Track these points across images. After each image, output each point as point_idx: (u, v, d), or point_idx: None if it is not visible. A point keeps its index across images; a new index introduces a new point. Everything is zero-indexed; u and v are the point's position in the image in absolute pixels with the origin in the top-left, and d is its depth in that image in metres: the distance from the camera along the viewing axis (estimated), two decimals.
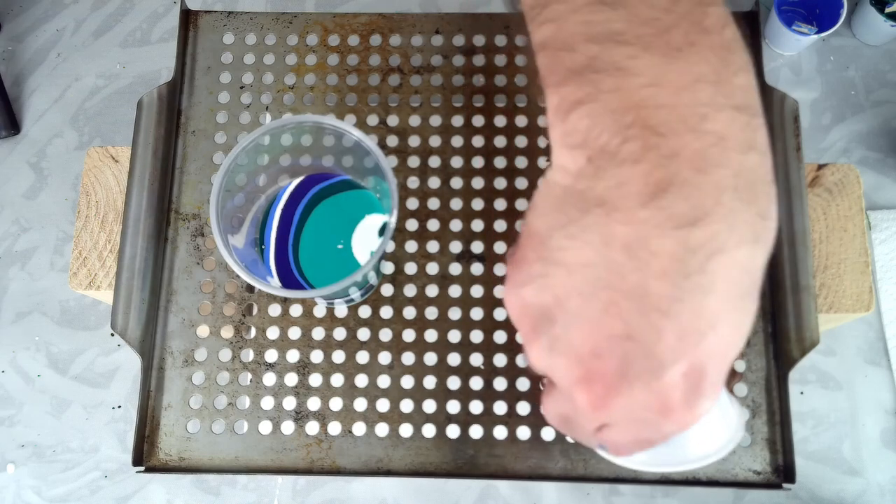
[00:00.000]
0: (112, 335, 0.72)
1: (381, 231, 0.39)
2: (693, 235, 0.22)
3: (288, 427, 0.42)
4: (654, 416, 0.24)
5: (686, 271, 0.22)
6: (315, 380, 0.43)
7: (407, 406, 0.42)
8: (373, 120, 0.47)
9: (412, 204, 0.45)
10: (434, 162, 0.46)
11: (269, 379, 0.43)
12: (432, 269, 0.44)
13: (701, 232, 0.22)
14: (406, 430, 0.42)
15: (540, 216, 0.25)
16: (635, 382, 0.23)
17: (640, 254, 0.22)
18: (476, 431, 0.42)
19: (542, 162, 0.46)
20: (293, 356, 0.43)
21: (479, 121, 0.47)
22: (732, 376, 0.42)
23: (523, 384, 0.43)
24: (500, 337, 0.43)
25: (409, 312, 0.44)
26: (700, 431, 0.30)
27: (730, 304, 0.23)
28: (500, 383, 0.43)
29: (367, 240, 0.39)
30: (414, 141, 0.46)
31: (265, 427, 0.42)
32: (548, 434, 0.42)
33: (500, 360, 0.43)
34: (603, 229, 0.23)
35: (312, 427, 0.42)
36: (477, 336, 0.43)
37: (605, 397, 0.24)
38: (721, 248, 0.22)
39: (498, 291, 0.44)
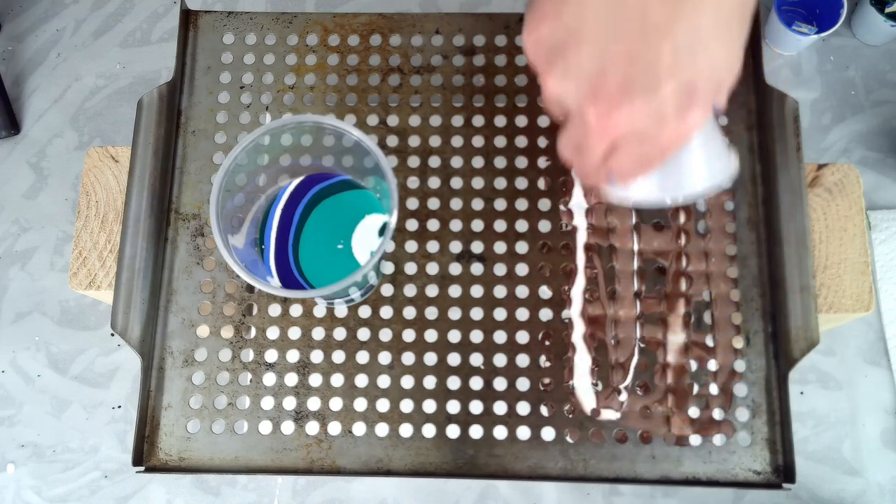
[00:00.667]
0: (112, 335, 0.72)
1: (381, 231, 0.39)
2: None
3: (288, 427, 0.42)
4: (653, 128, 0.28)
5: None
6: (315, 380, 0.43)
7: (407, 406, 0.42)
8: (373, 120, 0.47)
9: (412, 204, 0.45)
10: (434, 162, 0.46)
11: (269, 379, 0.43)
12: (432, 269, 0.44)
13: None
14: (406, 430, 0.42)
15: None
16: (635, 95, 0.27)
17: None
18: (476, 431, 0.42)
19: (542, 162, 0.46)
20: (293, 356, 0.43)
21: (479, 121, 0.47)
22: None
23: (523, 384, 0.43)
24: (499, 337, 0.43)
25: (409, 312, 0.44)
26: (698, 160, 0.33)
27: (721, 24, 0.26)
28: (499, 383, 0.43)
29: (367, 240, 0.39)
30: (414, 141, 0.46)
31: (265, 427, 0.42)
32: (547, 434, 0.42)
33: (499, 360, 0.43)
34: None
35: (312, 427, 0.42)
36: (477, 336, 0.43)
37: (610, 110, 0.27)
38: None
39: (498, 291, 0.44)
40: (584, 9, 0.27)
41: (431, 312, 0.44)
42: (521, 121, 0.46)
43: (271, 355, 0.43)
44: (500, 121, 0.47)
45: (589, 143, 0.29)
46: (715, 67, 0.27)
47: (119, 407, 0.70)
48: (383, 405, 0.42)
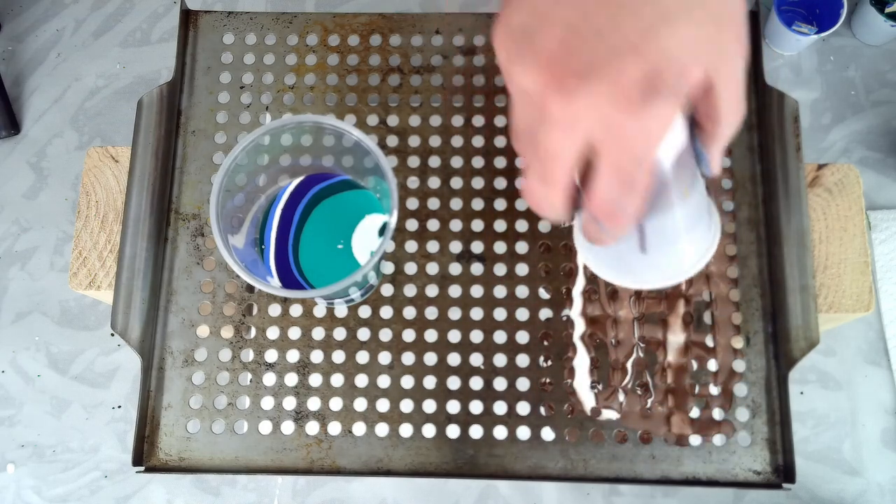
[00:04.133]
0: (112, 335, 0.72)
1: (381, 231, 0.39)
2: None
3: (288, 427, 0.42)
4: (619, 116, 0.26)
5: None
6: (315, 380, 0.43)
7: (407, 406, 0.42)
8: (373, 120, 0.47)
9: (412, 204, 0.45)
10: (434, 162, 0.46)
11: (269, 379, 0.43)
12: (432, 269, 0.44)
13: None
14: (406, 430, 0.42)
15: None
16: (594, 76, 0.25)
17: None
18: (476, 431, 0.42)
19: None
20: (293, 356, 0.43)
21: (479, 121, 0.47)
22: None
23: (523, 384, 0.43)
24: (499, 337, 0.43)
25: (409, 312, 0.44)
26: (692, 237, 0.34)
27: (691, 6, 0.25)
28: (499, 383, 0.43)
29: (367, 240, 0.39)
30: (414, 141, 0.46)
31: (265, 427, 0.42)
32: (547, 434, 0.42)
33: (499, 360, 0.43)
34: None
35: (312, 427, 0.42)
36: (477, 336, 0.43)
37: (570, 92, 0.26)
38: None
39: (498, 291, 0.44)
40: None
41: (431, 312, 0.44)
42: None
43: (271, 355, 0.43)
44: (500, 121, 0.47)
45: (551, 139, 0.27)
46: (683, 51, 0.25)
47: (119, 407, 0.70)
48: (383, 405, 0.42)
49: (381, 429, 0.42)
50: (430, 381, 0.43)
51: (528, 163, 0.29)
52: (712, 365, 0.42)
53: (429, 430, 0.42)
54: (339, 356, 0.43)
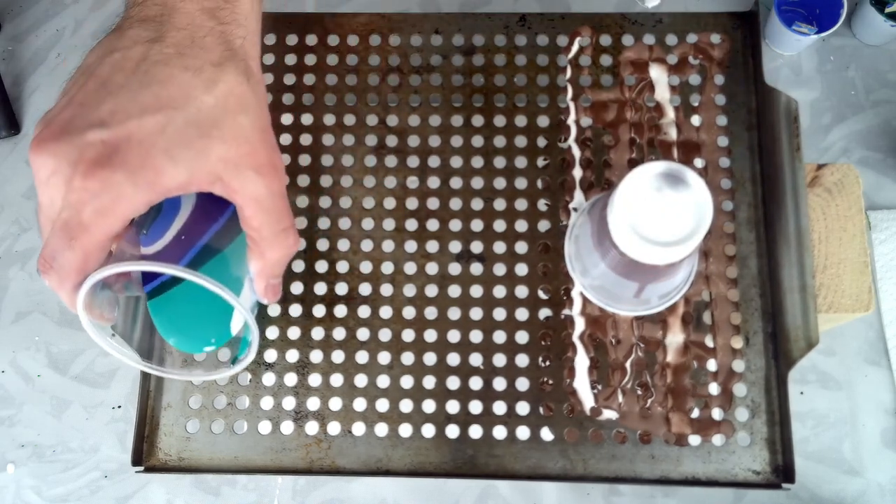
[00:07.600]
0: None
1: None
2: (153, 48, 0.30)
3: (287, 427, 0.42)
4: (70, 174, 0.28)
5: (137, 69, 0.29)
6: (314, 380, 0.43)
7: (406, 406, 0.42)
8: (372, 120, 0.47)
9: (412, 204, 0.45)
10: (433, 162, 0.46)
11: (269, 379, 0.43)
12: (432, 268, 0.44)
13: (159, 46, 0.30)
14: (405, 430, 0.42)
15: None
16: (68, 134, 0.28)
17: (116, 56, 0.30)
18: (475, 431, 0.42)
19: (540, 162, 0.46)
20: (292, 356, 0.43)
21: (478, 121, 0.47)
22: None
23: (522, 384, 0.43)
24: (499, 337, 0.43)
25: (409, 312, 0.44)
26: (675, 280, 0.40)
27: (162, 103, 0.28)
28: (499, 383, 0.43)
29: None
30: (413, 141, 0.46)
31: (264, 427, 0.42)
32: (547, 434, 0.42)
33: (499, 360, 0.43)
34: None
35: (312, 427, 0.42)
36: (476, 336, 0.43)
37: (48, 138, 0.28)
38: (166, 60, 0.29)
39: (497, 291, 0.44)
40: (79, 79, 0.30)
41: (431, 312, 0.44)
42: (521, 120, 0.46)
43: (270, 355, 0.43)
44: (499, 121, 0.47)
45: (39, 193, 0.29)
46: (146, 138, 0.28)
47: (119, 407, 0.70)
48: (383, 405, 0.42)
49: (381, 429, 0.42)
50: (429, 381, 0.43)
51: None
52: (712, 365, 0.42)
53: (428, 430, 0.42)
54: (338, 356, 0.43)
